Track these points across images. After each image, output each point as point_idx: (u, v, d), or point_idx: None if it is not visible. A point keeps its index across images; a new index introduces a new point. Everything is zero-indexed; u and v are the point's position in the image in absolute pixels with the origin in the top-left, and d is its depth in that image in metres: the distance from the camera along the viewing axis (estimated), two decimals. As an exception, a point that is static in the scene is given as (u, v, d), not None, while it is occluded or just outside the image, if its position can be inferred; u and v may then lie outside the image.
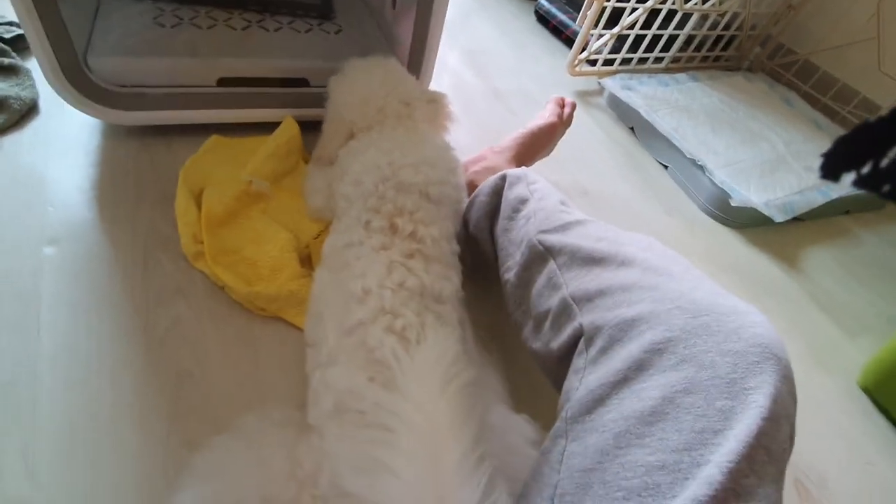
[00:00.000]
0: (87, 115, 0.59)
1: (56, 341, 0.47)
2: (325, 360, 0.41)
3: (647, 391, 0.29)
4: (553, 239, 0.45)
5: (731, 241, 0.84)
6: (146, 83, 0.62)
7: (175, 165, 0.61)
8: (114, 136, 0.65)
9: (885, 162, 0.78)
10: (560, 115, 0.71)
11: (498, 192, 0.56)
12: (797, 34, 1.23)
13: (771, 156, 0.96)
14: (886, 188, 0.76)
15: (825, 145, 1.03)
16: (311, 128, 0.68)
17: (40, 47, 0.51)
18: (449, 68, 1.00)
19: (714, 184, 0.84)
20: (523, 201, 0.53)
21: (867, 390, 0.68)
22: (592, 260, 0.41)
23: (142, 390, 0.45)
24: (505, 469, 0.35)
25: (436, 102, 0.61)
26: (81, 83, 0.57)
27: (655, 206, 0.85)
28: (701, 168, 0.87)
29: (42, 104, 0.66)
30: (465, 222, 0.61)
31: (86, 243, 0.54)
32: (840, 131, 1.10)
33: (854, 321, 0.77)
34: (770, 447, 0.26)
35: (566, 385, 0.36)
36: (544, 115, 0.70)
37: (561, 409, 0.35)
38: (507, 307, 0.50)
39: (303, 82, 0.70)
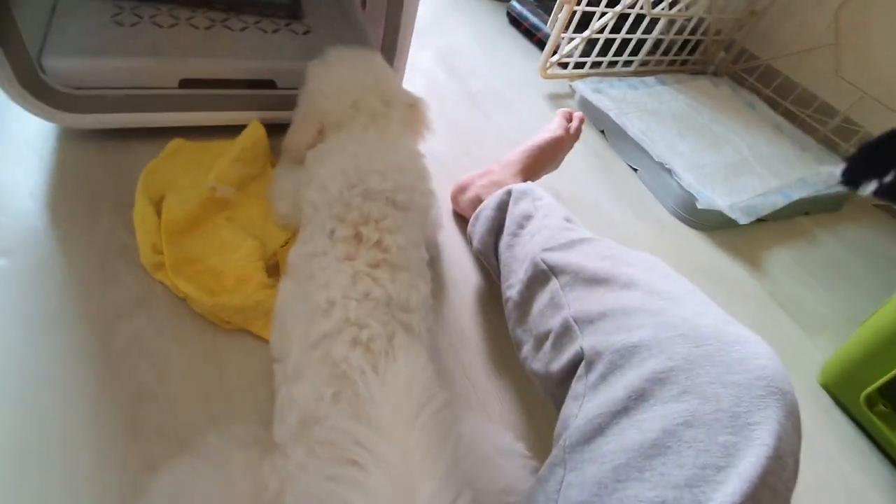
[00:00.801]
0: (42, 119, 0.56)
1: (5, 359, 0.44)
2: (291, 374, 0.39)
3: (647, 423, 0.28)
4: (556, 257, 0.45)
5: (698, 244, 0.86)
6: (104, 85, 0.59)
7: (135, 171, 0.59)
8: (70, 139, 0.62)
9: None
10: (567, 129, 0.70)
11: (503, 207, 0.56)
12: (760, 40, 1.27)
13: (735, 159, 0.98)
14: None
15: (786, 149, 1.07)
16: (278, 131, 0.66)
17: (-12, 49, 0.49)
18: (422, 69, 0.99)
19: (681, 187, 0.86)
20: (528, 217, 0.53)
21: (827, 388, 0.70)
22: (595, 280, 0.40)
23: (98, 410, 0.43)
24: (474, 480, 0.35)
25: (415, 108, 0.59)
26: (35, 86, 0.54)
27: (626, 210, 0.86)
28: (669, 171, 0.88)
29: (-11, 106, 0.63)
30: (469, 237, 0.61)
31: (39, 254, 0.51)
32: (800, 134, 1.14)
33: (813, 320, 0.80)
34: (775, 487, 0.25)
35: (564, 411, 0.35)
36: (552, 127, 0.69)
37: (558, 435, 0.34)
38: (508, 325, 0.50)
39: (270, 84, 0.68)
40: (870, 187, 0.74)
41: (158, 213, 0.55)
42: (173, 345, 0.49)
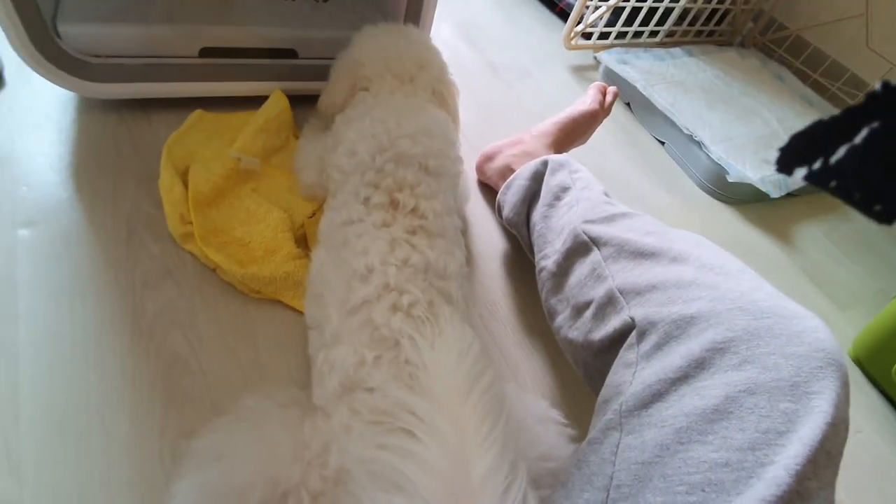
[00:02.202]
0: (59, 88, 0.55)
1: (37, 329, 0.44)
2: (328, 341, 0.39)
3: (708, 389, 0.29)
4: (598, 230, 0.45)
5: (727, 218, 0.83)
6: (122, 53, 0.58)
7: (157, 142, 0.57)
8: (90, 110, 0.61)
9: (834, 159, 0.85)
10: (602, 103, 0.68)
11: (538, 177, 0.56)
12: (789, 9, 1.22)
13: (765, 132, 0.95)
14: (833, 184, 0.83)
15: (815, 121, 1.04)
16: (301, 102, 0.65)
17: (3, 11, 0.47)
18: (442, 41, 0.96)
19: (711, 159, 0.84)
20: (565, 189, 0.53)
21: (858, 361, 0.69)
22: (641, 254, 0.41)
23: (132, 379, 0.43)
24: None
25: (442, 82, 0.58)
26: (51, 52, 0.53)
27: (653, 183, 0.84)
28: (698, 144, 0.86)
29: (7, 75, 0.61)
30: (499, 206, 0.60)
31: (63, 225, 0.50)
32: (831, 107, 1.10)
33: (844, 294, 0.78)
34: (830, 451, 0.26)
35: (614, 378, 0.36)
36: (585, 100, 0.68)
37: (606, 401, 0.35)
38: (541, 294, 0.50)
39: (291, 53, 0.66)
40: (800, 173, 0.77)
41: (184, 183, 0.53)
42: (204, 315, 0.48)
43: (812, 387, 0.28)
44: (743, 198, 0.85)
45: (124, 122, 0.61)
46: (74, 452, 0.39)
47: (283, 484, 0.33)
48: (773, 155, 0.89)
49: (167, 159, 0.54)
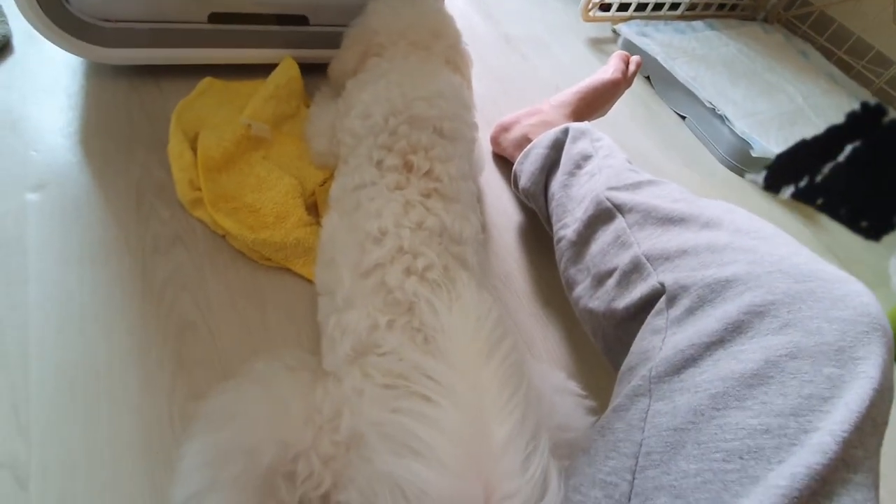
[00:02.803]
0: (68, 53, 0.54)
1: (46, 291, 0.43)
2: (340, 305, 0.38)
3: (746, 353, 0.28)
4: (623, 197, 0.44)
5: (750, 194, 0.81)
6: (131, 17, 0.57)
7: (167, 108, 0.56)
8: (99, 76, 0.60)
9: (819, 177, 0.85)
10: (625, 73, 0.66)
11: (558, 146, 0.54)
12: (815, -17, 1.18)
13: (789, 108, 0.92)
14: (820, 201, 0.82)
15: (842, 100, 1.00)
16: (311, 71, 0.63)
17: (10, -30, 0.46)
18: (457, 12, 0.93)
19: (734, 134, 0.81)
20: (586, 157, 0.51)
21: (887, 342, 0.67)
22: (670, 220, 0.39)
23: (141, 341, 0.42)
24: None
25: (455, 49, 0.57)
26: (60, 16, 0.52)
27: (674, 158, 0.81)
28: (721, 118, 0.83)
29: (16, 42, 0.61)
30: (515, 176, 0.58)
31: (73, 189, 0.50)
32: (855, 86, 1.06)
33: (870, 275, 0.76)
34: (876, 419, 0.25)
35: (641, 345, 0.34)
36: (607, 69, 0.65)
37: (632, 369, 0.33)
38: (559, 264, 0.49)
39: (302, 20, 0.65)
40: (787, 192, 0.80)
41: (194, 150, 0.52)
42: (213, 280, 0.47)
43: (857, 352, 0.26)
44: (767, 174, 0.82)
45: (135, 89, 0.60)
46: (83, 414, 0.38)
47: (293, 447, 0.32)
48: (762, 174, 0.87)
49: (176, 125, 0.53)
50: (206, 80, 0.60)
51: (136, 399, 0.39)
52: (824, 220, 0.82)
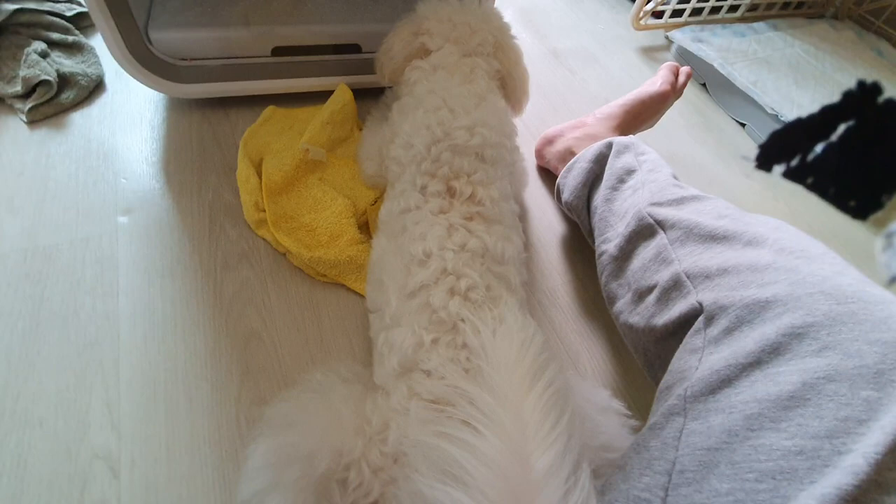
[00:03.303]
0: (151, 90, 0.61)
1: (134, 303, 0.49)
2: (389, 323, 0.40)
3: (784, 375, 0.28)
4: (665, 212, 0.43)
5: (817, 205, 0.76)
6: (204, 55, 0.63)
7: (235, 136, 0.62)
8: (176, 109, 0.67)
9: (811, 156, 0.78)
10: (673, 84, 0.64)
11: (602, 159, 0.54)
12: (894, -27, 1.08)
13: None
14: (810, 180, 0.76)
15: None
16: (364, 95, 0.67)
17: (104, 22, 0.53)
18: (502, 30, 0.95)
19: (799, 141, 0.76)
20: (630, 171, 0.51)
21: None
22: (712, 237, 0.39)
23: (213, 349, 0.47)
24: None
25: (512, 50, 0.56)
26: (144, 58, 0.58)
27: (732, 168, 0.78)
28: (784, 124, 0.78)
29: (107, 81, 0.69)
30: (558, 190, 0.59)
31: (156, 212, 0.56)
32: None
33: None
34: None
35: (678, 364, 0.34)
36: (655, 81, 0.64)
37: (669, 387, 0.33)
38: (600, 279, 0.49)
39: (355, 48, 0.69)
40: (778, 170, 0.79)
41: (258, 174, 0.57)
42: (275, 294, 0.51)
43: None
44: (837, 183, 0.77)
45: (207, 119, 0.66)
46: (164, 413, 0.43)
47: (346, 455, 0.34)
48: (754, 152, 0.86)
49: (243, 152, 0.58)
50: (269, 109, 0.65)
51: (209, 401, 0.44)
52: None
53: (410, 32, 0.54)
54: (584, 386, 0.42)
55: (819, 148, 0.80)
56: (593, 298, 0.56)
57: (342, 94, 0.65)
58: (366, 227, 0.57)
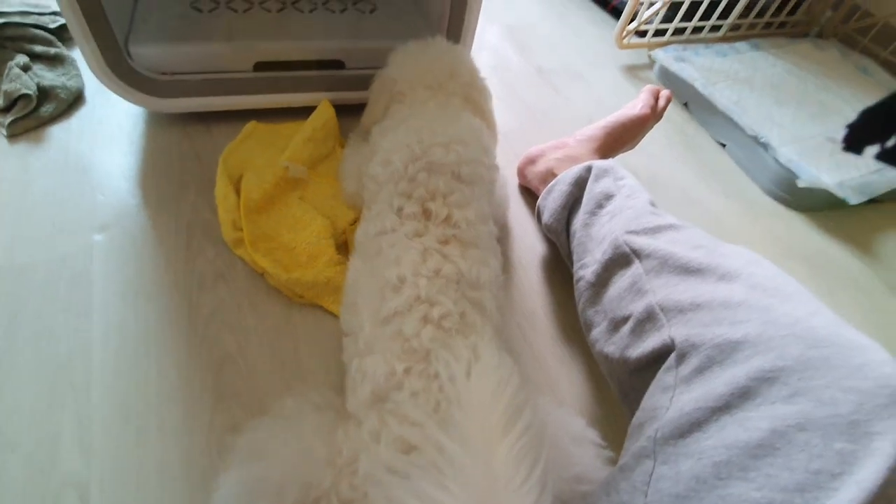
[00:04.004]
0: (131, 104, 0.60)
1: (108, 324, 0.48)
2: (362, 349, 0.40)
3: (753, 421, 0.27)
4: (641, 241, 0.43)
5: (798, 226, 0.77)
6: (186, 70, 0.62)
7: (216, 151, 0.61)
8: (156, 123, 0.66)
9: None
10: (653, 108, 0.65)
11: (581, 183, 0.54)
12: (877, -6, 1.11)
13: (839, 133, 0.87)
14: None
15: (908, 118, 0.93)
16: (347, 112, 0.67)
17: (82, 37, 0.52)
18: (488, 45, 0.96)
19: (778, 163, 0.77)
20: (609, 196, 0.51)
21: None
22: (687, 270, 0.38)
23: (187, 373, 0.46)
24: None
25: (472, 87, 0.58)
26: (124, 72, 0.58)
27: (713, 188, 0.79)
28: (763, 146, 0.80)
29: (87, 94, 0.68)
30: (539, 211, 0.59)
31: (133, 229, 0.55)
32: (926, 101, 0.98)
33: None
34: (893, 499, 0.24)
35: (650, 402, 0.34)
36: (636, 104, 0.65)
37: (641, 425, 0.33)
38: (578, 305, 0.49)
39: (338, 64, 0.69)
40: (871, 151, 0.71)
41: (237, 191, 0.57)
42: (251, 316, 0.51)
43: (874, 426, 0.25)
44: (816, 204, 0.78)
45: (187, 134, 0.66)
46: (135, 437, 0.42)
47: (315, 488, 0.34)
48: (842, 133, 0.81)
49: (223, 169, 0.58)
50: (251, 125, 0.65)
51: (181, 426, 0.43)
52: (884, 252, 0.76)
53: (386, 101, 0.57)
54: (559, 414, 0.42)
55: None
56: (573, 322, 0.56)
57: (324, 111, 0.65)
58: (344, 248, 0.57)
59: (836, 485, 0.24)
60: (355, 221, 0.58)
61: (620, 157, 0.71)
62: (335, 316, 0.52)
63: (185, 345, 0.48)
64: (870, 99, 0.95)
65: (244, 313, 0.51)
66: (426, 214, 0.44)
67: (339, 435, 0.36)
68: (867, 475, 0.23)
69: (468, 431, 0.28)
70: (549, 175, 0.61)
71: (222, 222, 0.55)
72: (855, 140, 0.72)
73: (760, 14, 1.05)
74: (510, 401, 0.30)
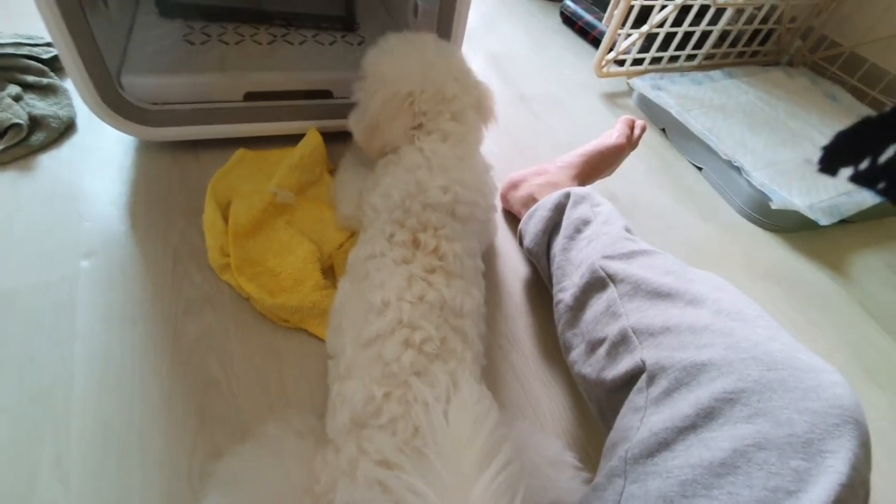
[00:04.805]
0: (121, 132, 0.61)
1: (91, 350, 0.48)
2: (343, 372, 0.40)
3: (716, 441, 0.28)
4: (616, 266, 0.45)
5: (771, 247, 0.79)
6: (176, 100, 0.64)
7: (204, 178, 0.63)
8: (147, 151, 0.68)
9: (883, 158, 0.76)
10: (629, 137, 0.68)
11: (560, 209, 0.56)
12: (841, 25, 1.17)
13: (815, 156, 0.90)
14: (882, 185, 0.73)
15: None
16: (334, 139, 0.68)
17: (74, 67, 0.54)
18: (473, 74, 0.99)
19: (752, 186, 0.80)
20: (586, 222, 0.53)
21: (927, 407, 0.63)
22: (658, 294, 0.40)
23: (171, 399, 0.46)
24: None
25: (479, 90, 0.57)
26: (115, 101, 0.59)
27: (690, 211, 0.81)
28: (738, 170, 0.83)
29: (79, 122, 0.69)
30: (520, 234, 0.61)
31: (119, 256, 0.56)
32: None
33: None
34: None
35: (623, 422, 0.35)
36: (612, 134, 0.68)
37: (614, 445, 0.34)
38: (557, 327, 0.50)
39: (326, 94, 0.71)
40: (845, 173, 0.74)
41: (225, 218, 0.58)
42: (236, 340, 0.51)
43: (827, 445, 0.26)
44: (789, 226, 0.81)
45: (176, 161, 0.67)
46: (116, 466, 0.42)
47: None
48: (817, 154, 0.82)
49: (211, 195, 0.59)
50: (240, 152, 0.66)
51: (162, 454, 0.43)
52: (854, 271, 0.79)
53: (409, 115, 0.52)
54: (537, 438, 0.42)
55: (892, 150, 0.75)
56: (555, 344, 0.57)
57: (312, 139, 0.66)
58: (331, 272, 0.58)
59: (792, 501, 0.25)
60: (342, 245, 0.60)
61: (603, 180, 0.74)
62: (320, 340, 0.52)
63: (169, 370, 0.48)
64: (838, 125, 1.00)
65: (230, 338, 0.51)
66: (415, 243, 0.45)
67: (317, 462, 0.37)
68: (820, 492, 0.25)
69: (443, 471, 0.29)
70: (531, 200, 0.63)
71: (210, 248, 0.56)
72: (830, 162, 0.75)
73: (733, 44, 1.10)
74: (487, 438, 0.31)
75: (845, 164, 0.75)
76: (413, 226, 0.46)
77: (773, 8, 1.06)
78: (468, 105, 0.54)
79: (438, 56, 0.55)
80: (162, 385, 0.47)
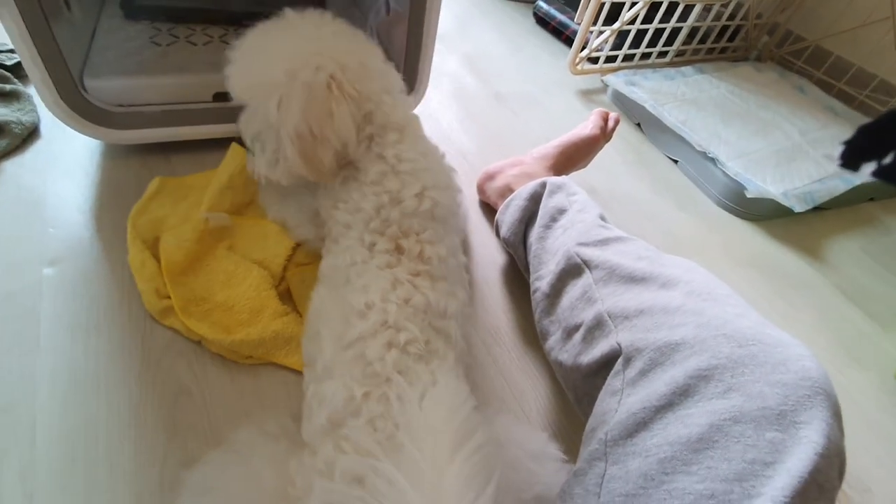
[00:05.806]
0: (87, 136, 0.60)
1: (56, 362, 0.46)
2: (320, 374, 0.39)
3: (693, 417, 0.29)
4: (591, 253, 0.45)
5: (749, 235, 0.80)
6: (143, 101, 0.62)
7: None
8: (114, 155, 0.66)
9: None
10: (603, 129, 0.69)
11: (536, 198, 0.56)
12: (806, 20, 1.20)
13: (786, 145, 0.92)
14: None
15: (843, 131, 0.99)
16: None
17: (35, 71, 0.52)
18: (448, 73, 0.99)
19: (727, 176, 0.81)
20: (562, 211, 0.53)
21: (906, 385, 0.64)
22: (632, 279, 0.40)
23: (140, 409, 0.44)
24: (507, 487, 0.33)
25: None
26: (78, 105, 0.57)
27: (667, 202, 0.82)
28: (712, 160, 0.84)
29: (43, 128, 0.67)
30: (497, 225, 0.60)
31: (84, 263, 0.54)
32: (859, 116, 1.06)
33: (887, 312, 0.73)
34: (823, 484, 0.25)
35: (601, 406, 0.35)
36: (587, 126, 0.68)
37: (593, 430, 0.34)
38: (535, 315, 0.50)
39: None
40: (867, 169, 0.72)
41: (156, 256, 0.52)
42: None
43: (799, 416, 0.27)
44: (765, 213, 0.82)
45: (146, 165, 0.65)
46: (83, 482, 0.40)
47: None
48: (838, 149, 0.77)
49: (133, 234, 0.53)
50: (157, 181, 0.59)
51: (132, 466, 0.41)
52: (831, 256, 0.80)
53: (324, 88, 0.44)
54: (519, 431, 0.42)
55: None
56: (535, 334, 0.57)
57: (236, 155, 0.59)
58: (287, 295, 0.54)
59: (770, 473, 0.25)
60: (290, 258, 0.55)
61: (581, 174, 0.74)
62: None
63: (137, 379, 0.46)
64: (807, 115, 1.02)
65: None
66: (399, 250, 0.44)
67: (292, 464, 0.35)
68: (796, 463, 0.25)
69: (417, 456, 0.29)
70: (507, 190, 0.62)
71: (143, 293, 0.50)
72: (851, 157, 0.75)
73: (703, 40, 1.13)
74: (461, 424, 0.31)
75: (868, 159, 0.74)
76: (394, 233, 0.44)
77: (739, 5, 1.09)
78: (396, 75, 0.49)
79: (327, 26, 0.48)
80: (130, 394, 0.45)
